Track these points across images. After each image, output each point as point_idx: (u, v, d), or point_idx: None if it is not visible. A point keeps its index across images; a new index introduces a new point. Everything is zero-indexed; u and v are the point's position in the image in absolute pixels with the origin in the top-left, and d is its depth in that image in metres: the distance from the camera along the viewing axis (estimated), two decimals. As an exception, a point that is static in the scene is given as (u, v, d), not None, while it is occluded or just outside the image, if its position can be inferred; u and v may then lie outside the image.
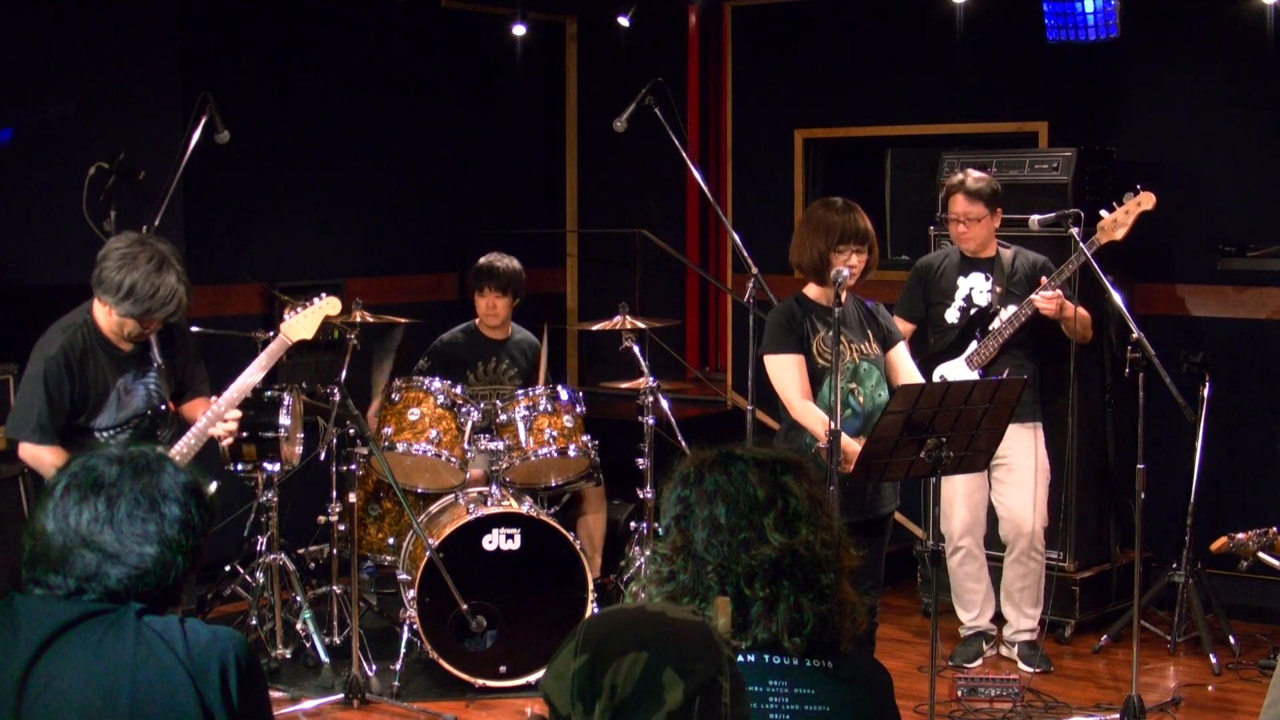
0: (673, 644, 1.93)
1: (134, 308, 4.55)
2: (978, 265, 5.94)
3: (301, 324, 5.08)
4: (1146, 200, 5.67)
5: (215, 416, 4.83)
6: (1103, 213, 5.70)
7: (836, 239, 4.78)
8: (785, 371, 4.81)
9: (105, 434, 4.72)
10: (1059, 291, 5.67)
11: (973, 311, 5.91)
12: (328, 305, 5.14)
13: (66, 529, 2.28)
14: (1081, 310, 5.76)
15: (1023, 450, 5.89)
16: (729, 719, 1.91)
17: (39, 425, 4.60)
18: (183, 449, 4.76)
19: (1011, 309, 5.79)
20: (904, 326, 6.03)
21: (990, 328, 5.84)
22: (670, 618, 1.99)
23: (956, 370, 5.86)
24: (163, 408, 4.87)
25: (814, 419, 4.72)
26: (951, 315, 5.95)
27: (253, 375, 4.91)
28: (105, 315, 4.65)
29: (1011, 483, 5.92)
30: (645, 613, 2.00)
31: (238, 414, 4.95)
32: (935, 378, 5.83)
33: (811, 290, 4.91)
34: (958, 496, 5.98)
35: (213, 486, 5.26)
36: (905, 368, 5.00)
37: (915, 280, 6.09)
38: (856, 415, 4.77)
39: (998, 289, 5.87)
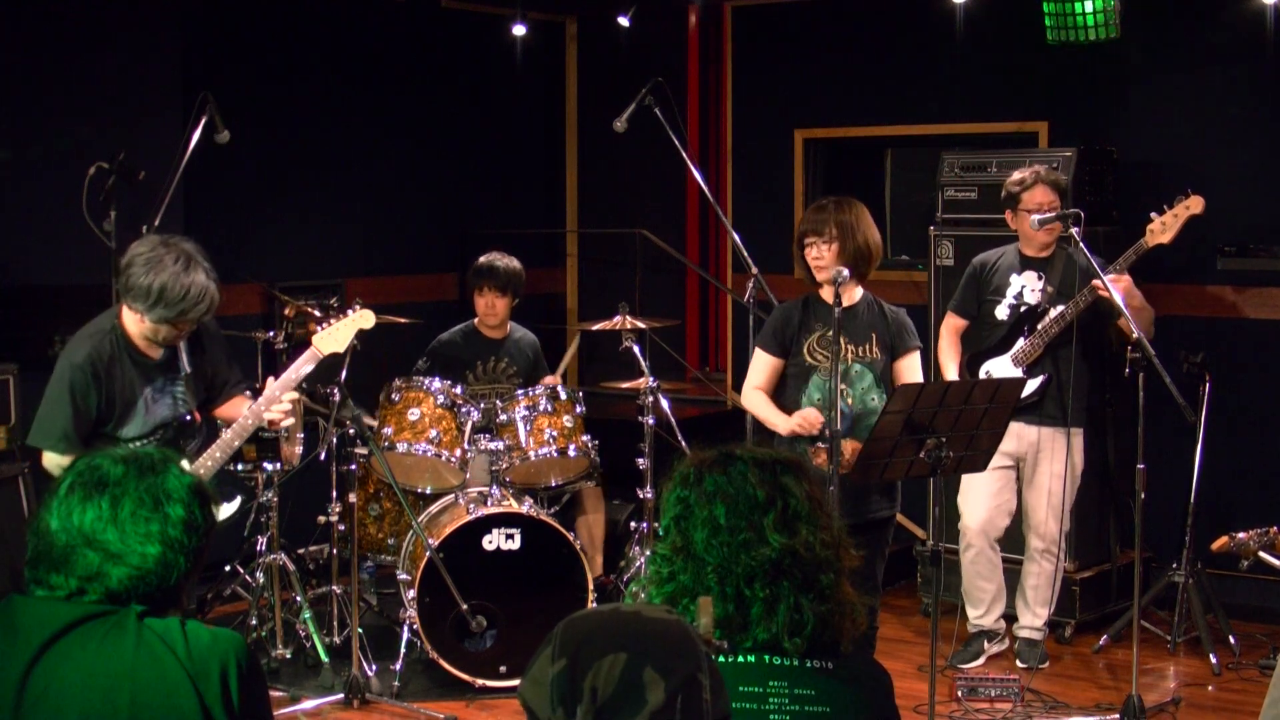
0: (650, 643, 1.94)
1: (167, 311, 4.46)
2: (1033, 264, 5.90)
3: (333, 337, 4.96)
4: (1195, 204, 5.63)
5: (241, 430, 4.72)
6: (1152, 214, 5.67)
7: (800, 234, 4.94)
8: (755, 365, 5.06)
9: (131, 444, 4.64)
10: (1127, 275, 5.65)
11: (1022, 309, 5.90)
12: (361, 319, 5.02)
13: (70, 527, 2.28)
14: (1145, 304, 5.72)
15: (1052, 453, 5.88)
16: (711, 715, 1.92)
17: (64, 435, 4.48)
18: (207, 461, 4.70)
19: (1060, 308, 5.78)
20: (958, 322, 6.06)
21: (1038, 326, 5.82)
22: (646, 617, 1.99)
23: (1002, 368, 5.85)
24: (188, 417, 4.76)
25: (758, 409, 4.98)
26: (1001, 312, 5.93)
27: (282, 388, 4.78)
28: (136, 322, 4.54)
29: (1038, 483, 5.92)
30: (620, 614, 2.00)
31: (294, 395, 4.82)
32: (981, 374, 5.83)
33: (825, 291, 4.94)
34: (980, 495, 5.95)
35: (236, 502, 5.22)
36: (906, 378, 5.00)
37: (970, 277, 6.06)
38: (845, 416, 4.78)
39: (1049, 289, 5.85)
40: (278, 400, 4.75)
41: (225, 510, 5.00)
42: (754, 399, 5.01)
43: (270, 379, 4.86)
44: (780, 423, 4.87)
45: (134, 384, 4.60)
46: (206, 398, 4.88)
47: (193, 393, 4.76)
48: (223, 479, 5.33)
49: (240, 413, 4.79)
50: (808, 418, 4.78)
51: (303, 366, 4.87)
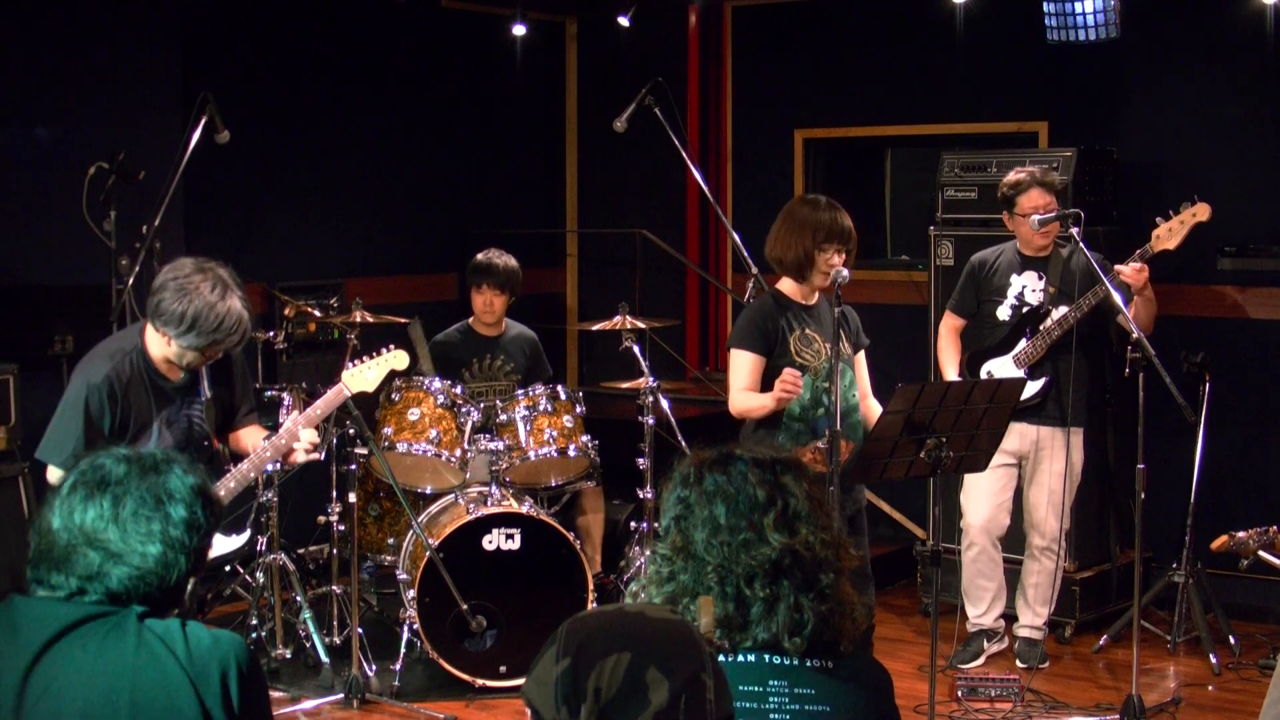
0: (654, 643, 1.94)
1: (198, 339, 4.35)
2: (1033, 264, 5.89)
3: (363, 376, 4.91)
4: (1202, 211, 5.60)
5: (258, 463, 4.67)
6: (1158, 219, 5.67)
7: (823, 237, 4.82)
8: (740, 368, 4.90)
9: None
10: (1145, 266, 5.62)
11: (1024, 310, 5.89)
12: (394, 359, 4.98)
13: (71, 526, 2.28)
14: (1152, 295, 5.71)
15: (1053, 452, 5.88)
16: (714, 715, 1.92)
17: (74, 455, 4.29)
18: (219, 491, 4.62)
19: (1063, 309, 5.77)
20: (955, 321, 6.05)
21: (1040, 327, 5.81)
22: (650, 617, 2.00)
23: (1004, 368, 5.84)
24: (205, 443, 4.66)
25: (746, 404, 4.86)
26: (1003, 313, 5.92)
27: (306, 423, 4.72)
28: (161, 344, 4.43)
29: (1039, 482, 5.92)
30: (624, 614, 2.01)
31: (313, 434, 4.75)
32: (983, 375, 5.82)
33: (786, 286, 4.94)
34: (982, 494, 5.95)
35: (246, 535, 5.16)
36: (861, 375, 5.05)
37: (968, 276, 6.05)
38: (829, 414, 4.77)
39: (1050, 289, 5.84)
40: (298, 438, 4.69)
41: (233, 543, 4.97)
42: (744, 401, 4.89)
43: (295, 412, 4.80)
44: (764, 401, 4.79)
45: (150, 407, 4.51)
46: (222, 420, 4.80)
47: (211, 419, 4.66)
48: (233, 512, 5.30)
49: (253, 442, 4.74)
50: (786, 379, 4.69)
51: (328, 405, 4.83)
